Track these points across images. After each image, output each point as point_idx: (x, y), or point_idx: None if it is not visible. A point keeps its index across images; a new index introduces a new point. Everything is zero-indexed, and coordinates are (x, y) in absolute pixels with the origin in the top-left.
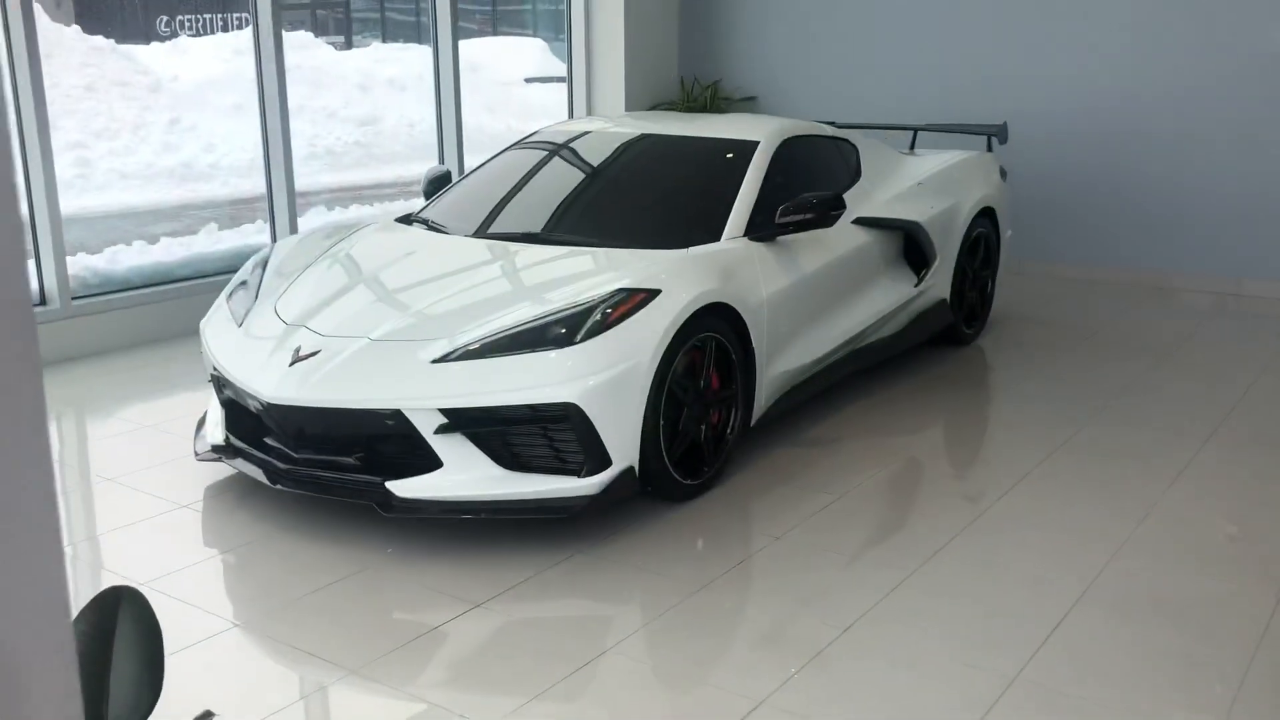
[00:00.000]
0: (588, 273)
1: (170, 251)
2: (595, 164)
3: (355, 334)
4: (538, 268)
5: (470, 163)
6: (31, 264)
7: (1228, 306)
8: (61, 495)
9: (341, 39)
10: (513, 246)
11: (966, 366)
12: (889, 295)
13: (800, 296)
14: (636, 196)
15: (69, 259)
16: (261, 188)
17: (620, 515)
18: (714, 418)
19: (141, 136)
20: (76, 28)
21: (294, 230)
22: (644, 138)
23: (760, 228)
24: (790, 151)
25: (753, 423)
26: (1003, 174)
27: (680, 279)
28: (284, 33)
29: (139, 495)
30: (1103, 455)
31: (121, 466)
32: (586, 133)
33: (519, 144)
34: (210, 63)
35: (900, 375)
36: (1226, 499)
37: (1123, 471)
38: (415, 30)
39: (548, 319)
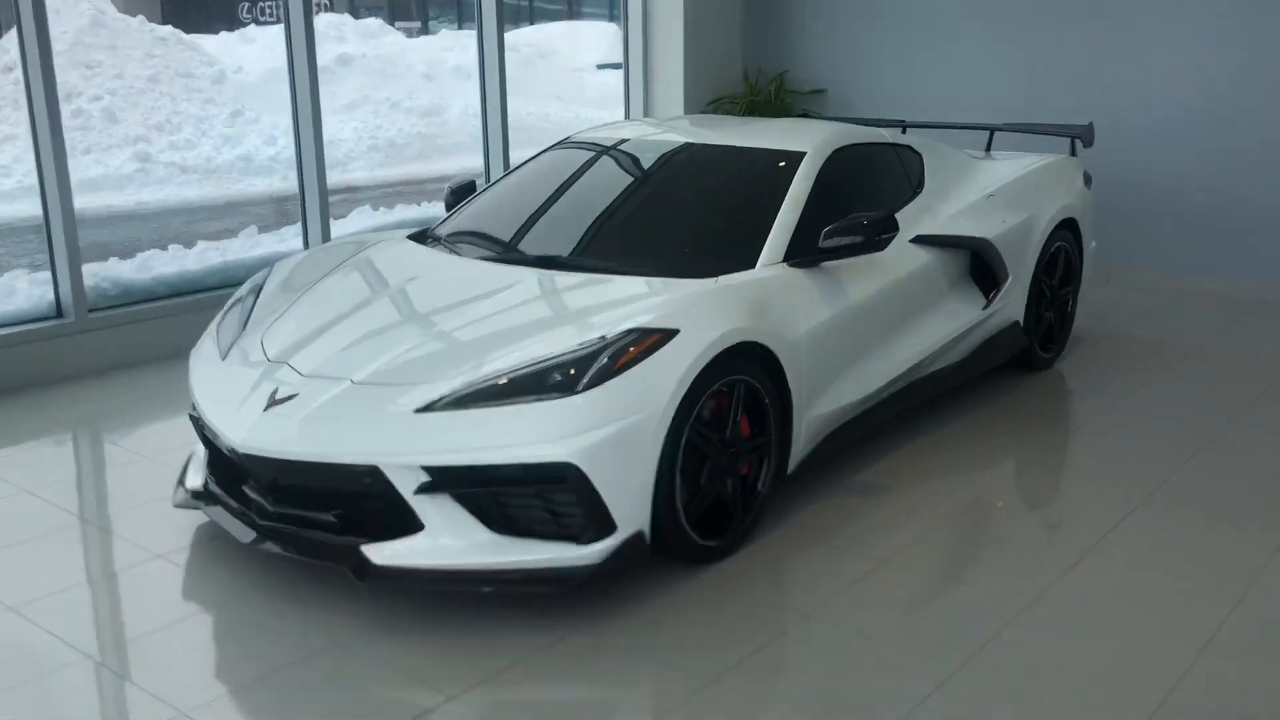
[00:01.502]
0: (602, 306)
1: (204, 257)
2: (628, 178)
3: (338, 375)
4: (550, 299)
5: (521, 156)
6: (47, 274)
7: None
8: (35, 540)
9: (418, 24)
10: (526, 273)
11: (1042, 396)
12: (953, 320)
13: (846, 329)
14: (669, 216)
15: (99, 265)
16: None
17: (627, 584)
18: (743, 469)
19: (203, 130)
20: (141, 17)
21: (326, 234)
22: (685, 147)
23: (802, 252)
24: (842, 163)
25: (790, 471)
26: (1087, 180)
27: (702, 316)
28: (355, 20)
29: (117, 541)
30: (1195, 513)
31: (106, 504)
32: (623, 140)
33: (551, 149)
34: (277, 52)
35: (966, 407)
36: None
37: (1218, 536)
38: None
39: (548, 363)
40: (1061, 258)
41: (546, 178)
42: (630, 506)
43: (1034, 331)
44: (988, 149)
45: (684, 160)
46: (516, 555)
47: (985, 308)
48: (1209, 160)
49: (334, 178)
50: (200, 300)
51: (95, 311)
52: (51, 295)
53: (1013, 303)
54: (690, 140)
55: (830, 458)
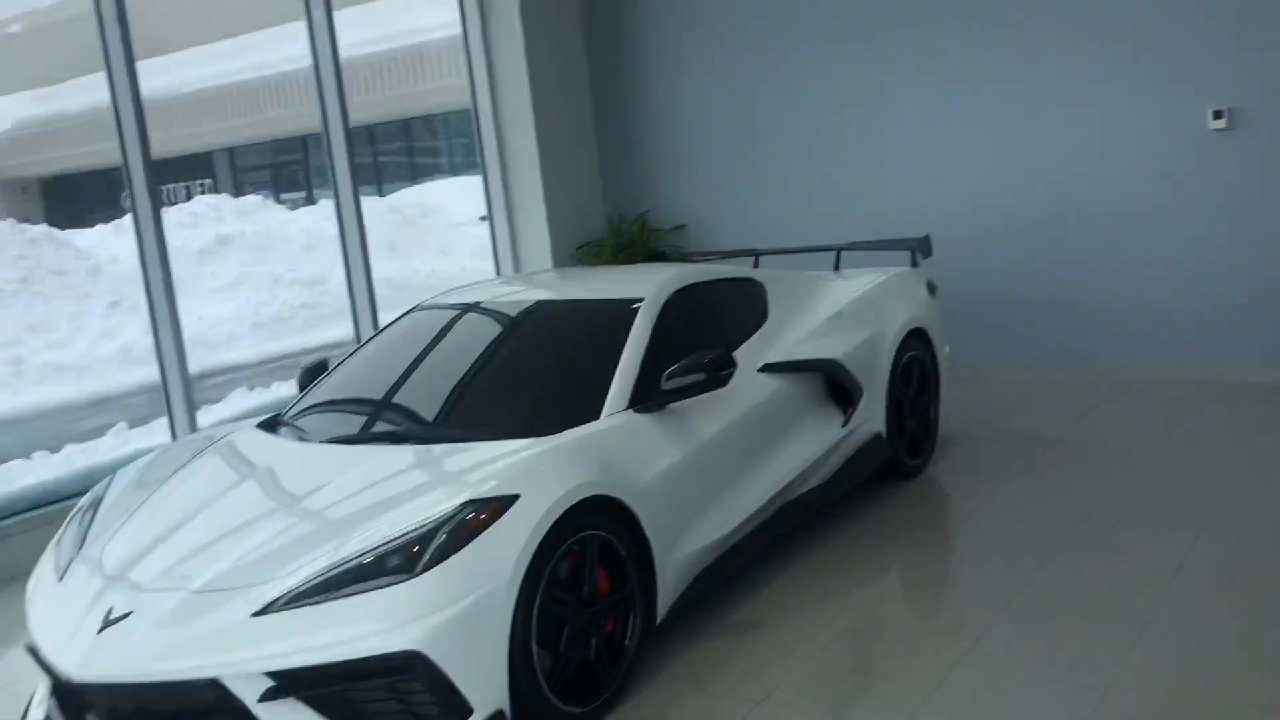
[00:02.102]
0: (445, 479)
1: (71, 462)
2: (477, 340)
3: (176, 585)
4: (394, 479)
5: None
6: None
7: (1197, 397)
8: None
9: (303, 194)
10: (371, 453)
11: (914, 504)
12: (814, 441)
13: (700, 467)
14: (516, 376)
15: None
16: (204, 363)
17: None
18: (608, 625)
19: (79, 325)
20: (11, 220)
21: (192, 425)
22: (534, 305)
23: (648, 398)
24: (682, 304)
25: (659, 620)
26: (931, 289)
27: (542, 477)
28: (235, 199)
29: None
30: (1056, 611)
31: None
32: (475, 303)
33: (404, 315)
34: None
35: (839, 526)
36: (1207, 651)
37: (1079, 633)
38: (371, 176)
39: (386, 547)
40: (915, 367)
41: (397, 348)
42: (486, 685)
43: (898, 441)
44: (836, 268)
45: (532, 318)
46: None
47: (844, 424)
48: (1057, 251)
49: (217, 358)
50: (58, 511)
51: None
52: None
53: (873, 416)
54: (537, 297)
55: (703, 599)
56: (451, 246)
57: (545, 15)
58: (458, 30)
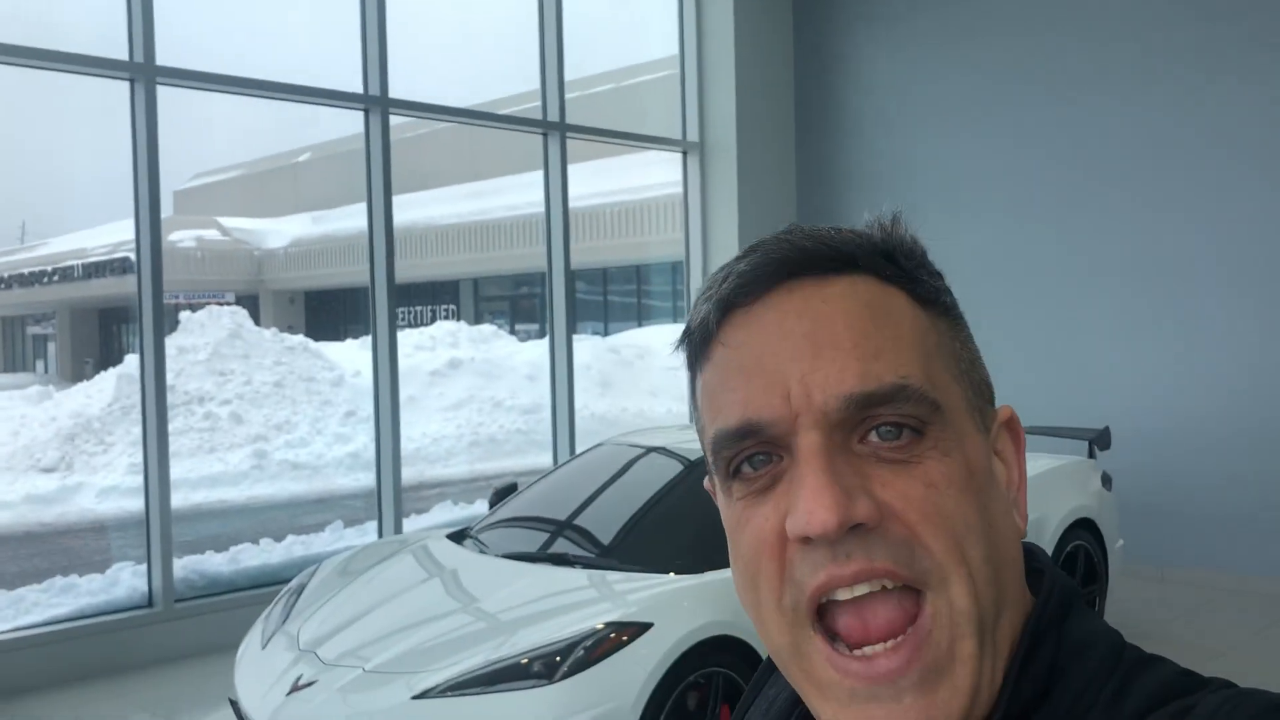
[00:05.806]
0: (592, 600)
1: (289, 551)
2: (650, 481)
3: (355, 664)
4: (558, 595)
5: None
6: (143, 566)
7: None
8: None
9: (536, 327)
10: (537, 570)
11: None
12: None
13: None
14: (679, 517)
15: (195, 558)
16: (420, 475)
17: None
18: None
19: (318, 429)
20: (274, 329)
21: (398, 529)
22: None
23: None
24: None
25: None
26: (1105, 481)
27: (677, 610)
28: (471, 326)
29: None
30: None
31: None
32: (658, 447)
33: (589, 450)
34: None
35: None
36: None
37: None
38: (600, 314)
39: (535, 652)
40: (1081, 556)
41: (578, 479)
42: None
43: None
44: None
45: (702, 467)
46: None
47: None
48: (1261, 455)
49: (433, 472)
50: (277, 591)
51: (181, 601)
52: (145, 587)
53: None
54: None
55: None
56: (661, 389)
57: (758, 175)
58: (679, 189)
